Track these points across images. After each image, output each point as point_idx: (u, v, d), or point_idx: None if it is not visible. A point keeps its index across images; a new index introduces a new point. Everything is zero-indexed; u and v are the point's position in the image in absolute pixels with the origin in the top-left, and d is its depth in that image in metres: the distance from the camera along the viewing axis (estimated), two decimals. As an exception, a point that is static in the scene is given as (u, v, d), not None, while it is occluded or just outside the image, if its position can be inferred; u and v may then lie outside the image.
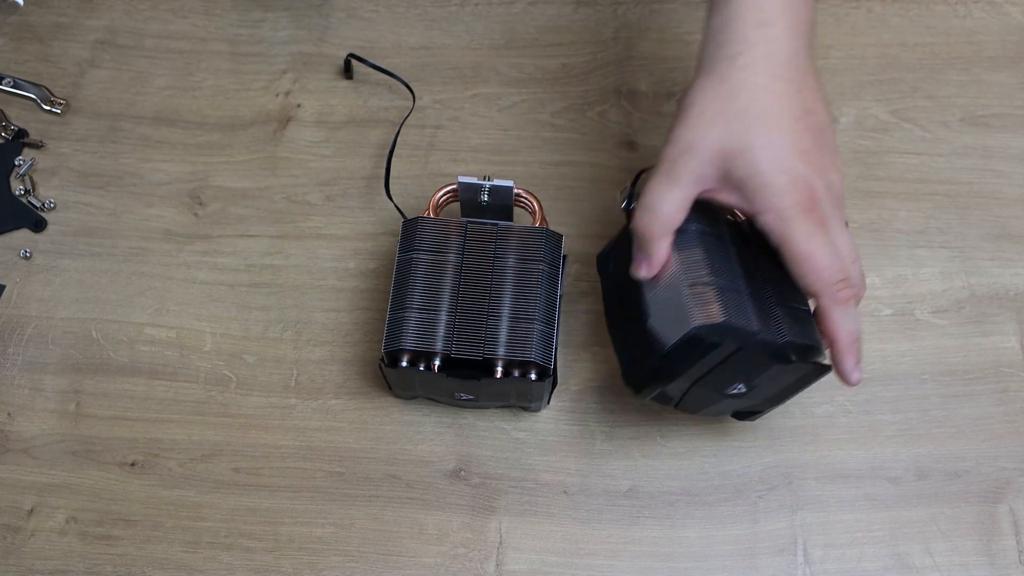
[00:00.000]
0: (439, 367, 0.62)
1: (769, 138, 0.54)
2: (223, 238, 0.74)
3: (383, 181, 0.73)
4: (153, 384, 0.70)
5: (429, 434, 0.69)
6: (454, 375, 0.62)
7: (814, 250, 0.54)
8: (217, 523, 0.66)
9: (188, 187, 0.76)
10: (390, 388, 0.68)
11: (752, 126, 0.54)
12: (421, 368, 0.62)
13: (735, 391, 0.59)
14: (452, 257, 0.64)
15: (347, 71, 0.79)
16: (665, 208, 0.56)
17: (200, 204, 0.76)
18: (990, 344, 0.71)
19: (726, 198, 0.56)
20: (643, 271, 0.58)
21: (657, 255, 0.57)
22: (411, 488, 0.67)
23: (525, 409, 0.68)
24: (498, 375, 0.62)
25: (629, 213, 0.61)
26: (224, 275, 0.73)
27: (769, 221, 0.54)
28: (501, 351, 0.62)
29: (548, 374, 0.63)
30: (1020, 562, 0.65)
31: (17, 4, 0.82)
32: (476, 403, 0.67)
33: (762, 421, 0.68)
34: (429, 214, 0.67)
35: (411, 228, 0.65)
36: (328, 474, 0.68)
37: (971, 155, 0.76)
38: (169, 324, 0.72)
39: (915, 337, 0.71)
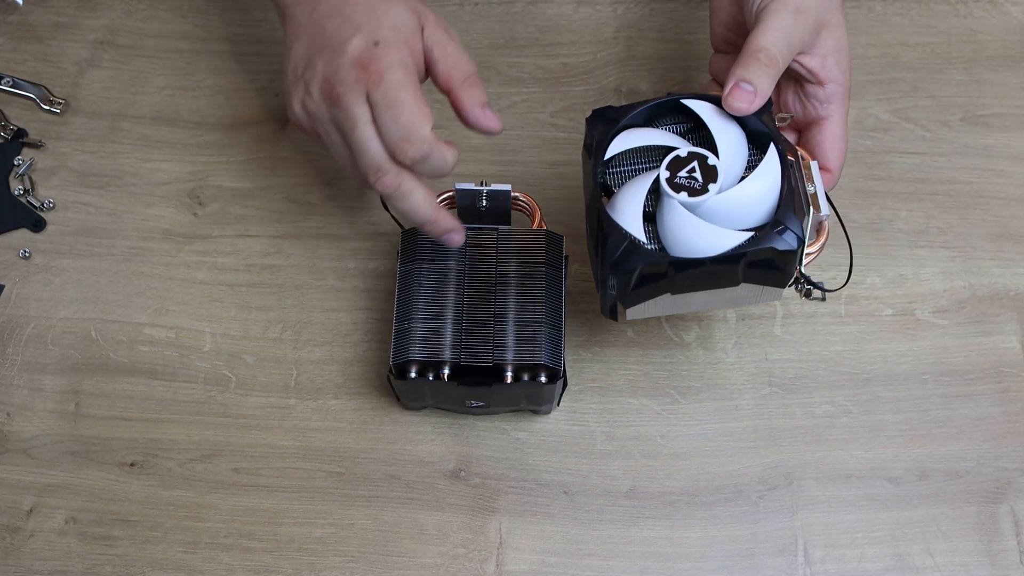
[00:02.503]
0: (448, 376, 0.62)
1: (840, 20, 0.63)
2: (223, 238, 0.74)
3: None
4: (152, 384, 0.70)
5: (429, 434, 0.69)
6: (464, 383, 0.62)
7: (845, 131, 0.65)
8: (217, 523, 0.66)
9: (188, 187, 0.76)
10: (399, 400, 0.68)
11: (837, 9, 0.63)
12: (431, 378, 0.62)
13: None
14: (454, 265, 0.64)
15: None
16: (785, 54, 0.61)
17: (200, 204, 0.75)
18: (991, 344, 0.70)
19: (807, 62, 0.63)
20: (743, 102, 0.59)
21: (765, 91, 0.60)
22: (411, 488, 0.67)
23: (536, 412, 0.68)
24: (508, 380, 0.62)
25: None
26: (224, 275, 0.73)
27: (833, 92, 0.64)
28: (510, 356, 0.62)
29: (558, 376, 0.63)
30: (1021, 562, 0.65)
31: (17, 4, 0.82)
32: (487, 409, 0.67)
33: (762, 421, 0.68)
34: None
35: (411, 238, 0.65)
36: (328, 474, 0.68)
37: (972, 155, 0.76)
38: (169, 324, 0.72)
39: (916, 337, 0.71)
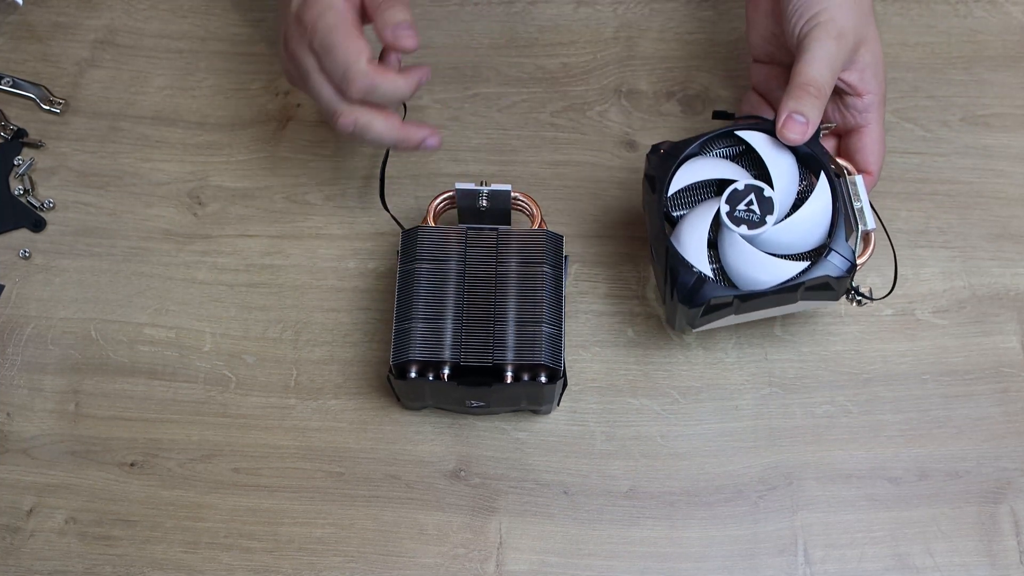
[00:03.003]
0: (448, 376, 0.62)
1: (875, 33, 0.65)
2: (223, 238, 0.74)
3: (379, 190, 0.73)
4: (152, 384, 0.70)
5: (429, 434, 0.69)
6: (464, 383, 0.62)
7: (883, 135, 0.67)
8: (217, 523, 0.66)
9: (188, 187, 0.76)
10: (399, 400, 0.68)
11: (871, 22, 0.65)
12: (431, 378, 0.62)
13: None
14: (454, 265, 0.64)
15: None
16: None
17: (200, 204, 0.75)
18: (991, 344, 0.70)
19: (847, 77, 0.65)
20: (797, 134, 0.62)
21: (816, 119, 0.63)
22: (411, 488, 0.67)
23: (536, 412, 0.68)
24: (508, 380, 0.62)
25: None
26: (224, 275, 0.73)
27: (871, 102, 0.65)
28: (510, 356, 0.62)
29: (558, 376, 0.63)
30: (1021, 562, 0.65)
31: (16, 3, 0.82)
32: (487, 409, 0.67)
33: (762, 421, 0.68)
34: (428, 222, 0.67)
35: (411, 238, 0.65)
36: (328, 474, 0.68)
37: (972, 155, 0.76)
38: (169, 324, 0.72)
39: (916, 337, 0.71)
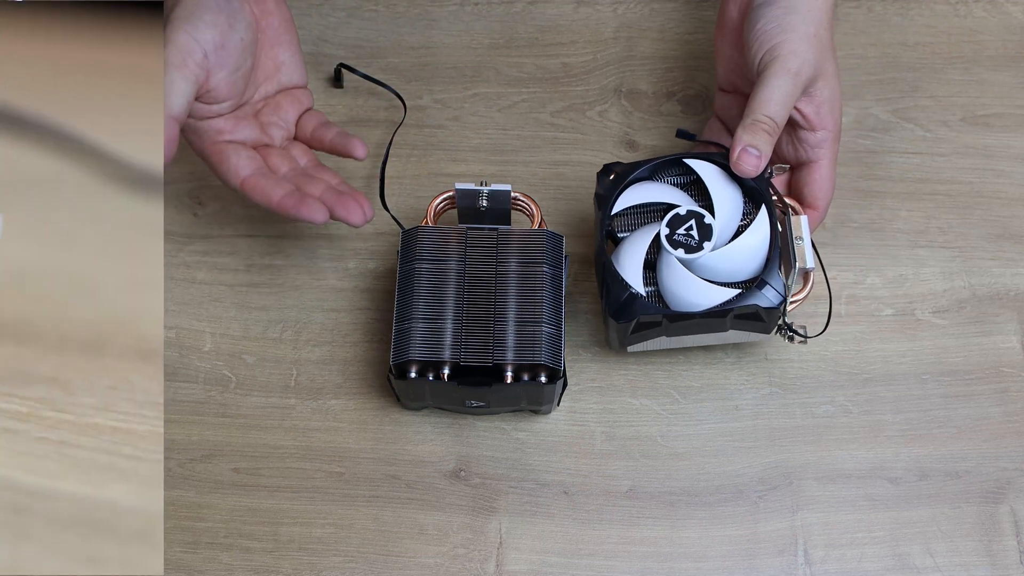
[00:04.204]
0: (448, 376, 0.62)
1: (834, 68, 0.66)
2: (223, 238, 0.74)
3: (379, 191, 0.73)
4: (153, 384, 0.70)
5: (429, 434, 0.69)
6: (464, 383, 0.62)
7: (834, 173, 0.68)
8: (216, 523, 0.66)
9: (188, 187, 0.76)
10: (399, 400, 0.68)
11: (830, 57, 0.66)
12: (431, 378, 0.62)
13: None
14: (454, 265, 0.64)
15: (337, 80, 0.79)
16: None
17: (200, 204, 0.75)
18: (991, 344, 0.70)
19: (803, 107, 0.65)
20: (751, 166, 0.63)
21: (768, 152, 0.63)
22: (411, 488, 0.67)
23: (536, 412, 0.68)
24: (508, 380, 0.62)
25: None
26: (224, 275, 0.73)
27: (824, 137, 0.66)
28: (510, 356, 0.62)
29: (558, 376, 0.63)
30: (1021, 562, 0.65)
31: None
32: (487, 409, 0.67)
33: (762, 421, 0.68)
34: (428, 222, 0.67)
35: (411, 238, 0.65)
36: (328, 474, 0.68)
37: (972, 155, 0.76)
38: (168, 324, 0.72)
39: (916, 337, 0.71)
